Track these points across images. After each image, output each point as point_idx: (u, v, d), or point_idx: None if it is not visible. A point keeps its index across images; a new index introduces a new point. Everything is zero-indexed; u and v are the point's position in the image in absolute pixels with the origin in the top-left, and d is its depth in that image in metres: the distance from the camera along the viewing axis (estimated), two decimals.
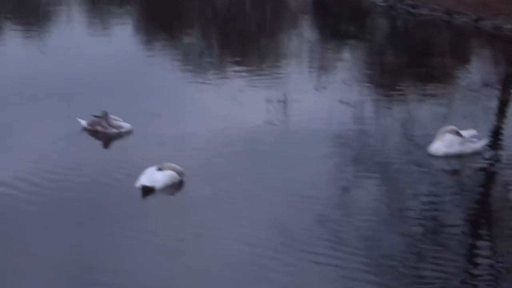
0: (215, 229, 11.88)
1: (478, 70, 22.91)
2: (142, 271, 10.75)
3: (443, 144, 14.86)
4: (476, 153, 15.07)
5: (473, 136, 15.17)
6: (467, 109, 18.29)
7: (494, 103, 19.05)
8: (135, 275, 10.67)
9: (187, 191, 13.50)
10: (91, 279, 10.62)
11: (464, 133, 15.04)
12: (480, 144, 15.15)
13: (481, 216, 12.72)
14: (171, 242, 11.52)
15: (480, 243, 11.66)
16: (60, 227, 12.07)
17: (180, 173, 13.69)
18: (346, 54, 25.29)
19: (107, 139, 16.24)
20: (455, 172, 14.74)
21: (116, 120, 16.42)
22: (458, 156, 14.91)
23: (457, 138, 14.88)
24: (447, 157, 14.83)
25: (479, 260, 11.00)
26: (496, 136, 16.56)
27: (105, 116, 16.32)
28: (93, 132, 16.44)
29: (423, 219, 12.31)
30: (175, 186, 13.59)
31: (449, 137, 14.87)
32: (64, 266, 10.91)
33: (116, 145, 16.11)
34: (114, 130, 16.34)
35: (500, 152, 15.43)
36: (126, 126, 16.43)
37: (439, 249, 11.24)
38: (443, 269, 10.60)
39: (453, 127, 15.09)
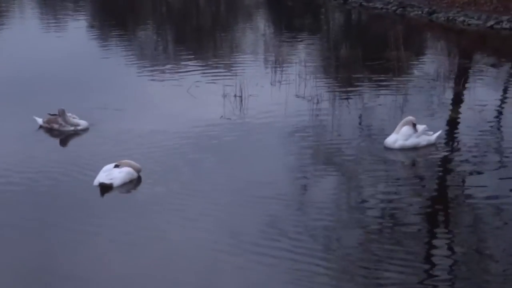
0: (169, 230, 11.71)
1: (432, 62, 23.10)
2: (95, 273, 10.63)
3: (398, 136, 14.97)
4: (431, 145, 15.20)
5: (426, 130, 15.29)
6: (422, 101, 18.44)
7: (448, 95, 19.22)
8: (89, 278, 10.52)
9: (144, 189, 13.36)
10: (46, 281, 10.47)
11: (418, 126, 15.15)
12: (434, 136, 15.29)
13: (438, 211, 12.76)
14: (124, 243, 11.34)
15: (437, 239, 11.65)
16: (15, 226, 11.87)
17: (137, 170, 13.63)
18: (301, 48, 25.36)
19: (63, 137, 16.11)
20: (411, 165, 14.84)
21: (73, 117, 16.33)
22: (414, 149, 15.02)
23: (412, 130, 14.98)
24: (403, 149, 14.93)
25: (437, 258, 10.96)
26: (451, 127, 16.72)
27: (62, 113, 16.21)
28: (49, 130, 16.32)
29: (380, 215, 12.29)
30: (133, 183, 13.51)
31: (404, 129, 14.98)
32: (18, 268, 10.73)
33: (72, 142, 15.98)
34: (71, 128, 16.24)
35: (455, 144, 15.57)
36: (83, 123, 16.34)
37: (396, 247, 11.22)
38: (400, 268, 10.53)
39: (411, 118, 15.20)
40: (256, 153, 14.99)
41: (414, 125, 15.02)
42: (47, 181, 13.60)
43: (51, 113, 16.30)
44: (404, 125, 15.03)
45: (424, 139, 15.15)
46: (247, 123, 16.75)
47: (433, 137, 15.25)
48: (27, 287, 10.37)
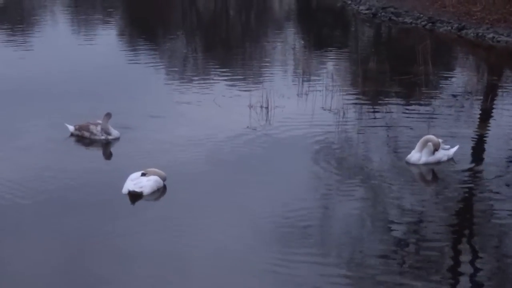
0: (196, 239, 11.78)
1: (460, 78, 23.05)
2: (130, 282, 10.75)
3: (421, 153, 14.90)
4: (452, 161, 15.14)
5: (444, 144, 15.23)
6: (449, 117, 18.38)
7: (476, 111, 19.15)
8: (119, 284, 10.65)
9: (171, 198, 13.39)
10: (76, 284, 10.58)
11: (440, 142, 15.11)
12: (452, 150, 15.21)
13: (462, 226, 12.74)
14: (156, 251, 11.42)
15: (462, 253, 11.62)
16: (44, 234, 11.95)
17: (163, 178, 13.70)
18: (330, 61, 25.39)
19: (93, 145, 16.14)
20: (435, 181, 14.79)
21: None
22: (436, 164, 14.95)
23: (434, 147, 14.90)
24: (425, 165, 14.88)
25: (461, 274, 10.91)
26: (477, 143, 16.66)
27: (109, 117, 16.22)
28: (80, 138, 16.40)
29: (404, 230, 12.29)
30: (159, 191, 13.58)
31: (428, 147, 14.90)
32: (48, 275, 10.86)
33: (101, 151, 16.06)
34: (102, 137, 16.27)
35: (480, 159, 15.50)
36: (115, 133, 16.36)
37: (421, 260, 11.24)
38: (423, 283, 10.52)
39: (431, 137, 15.08)
40: (280, 163, 15.03)
41: (436, 145, 14.90)
42: (75, 188, 13.67)
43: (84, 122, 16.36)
44: (424, 143, 14.92)
45: (444, 154, 15.09)
46: (272, 134, 16.78)
47: (451, 151, 15.20)
48: None
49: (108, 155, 15.95)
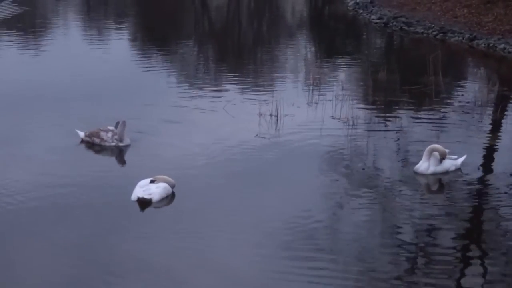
0: (206, 250, 11.82)
1: (471, 89, 23.01)
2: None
3: (428, 162, 14.93)
4: (459, 170, 15.17)
5: (451, 154, 15.27)
6: (458, 127, 18.39)
7: (486, 122, 19.14)
8: None
9: (180, 205, 13.47)
10: None
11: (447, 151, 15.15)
12: (459, 160, 15.24)
13: (469, 236, 12.77)
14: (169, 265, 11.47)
15: (471, 264, 11.66)
16: (54, 241, 12.00)
17: (172, 185, 13.76)
18: (340, 70, 25.41)
19: (103, 152, 16.21)
20: (441, 191, 14.82)
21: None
22: (444, 174, 14.98)
23: (440, 156, 14.93)
24: (433, 175, 14.91)
25: (470, 280, 11.01)
26: (486, 154, 16.67)
27: (122, 124, 16.27)
28: (90, 144, 16.47)
29: (412, 240, 12.34)
30: (168, 198, 13.64)
31: (434, 156, 14.94)
32: (52, 280, 10.95)
33: (111, 157, 16.15)
34: (112, 143, 16.32)
35: (489, 170, 15.51)
36: (126, 140, 16.38)
37: (430, 270, 11.30)
38: None
39: (439, 146, 15.13)
40: (289, 172, 15.07)
41: (442, 155, 14.95)
42: (84, 194, 13.75)
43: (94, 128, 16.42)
44: (429, 152, 14.96)
45: (451, 164, 15.13)
46: (281, 143, 16.82)
47: (458, 161, 15.24)
48: None
49: (118, 162, 16.05)
